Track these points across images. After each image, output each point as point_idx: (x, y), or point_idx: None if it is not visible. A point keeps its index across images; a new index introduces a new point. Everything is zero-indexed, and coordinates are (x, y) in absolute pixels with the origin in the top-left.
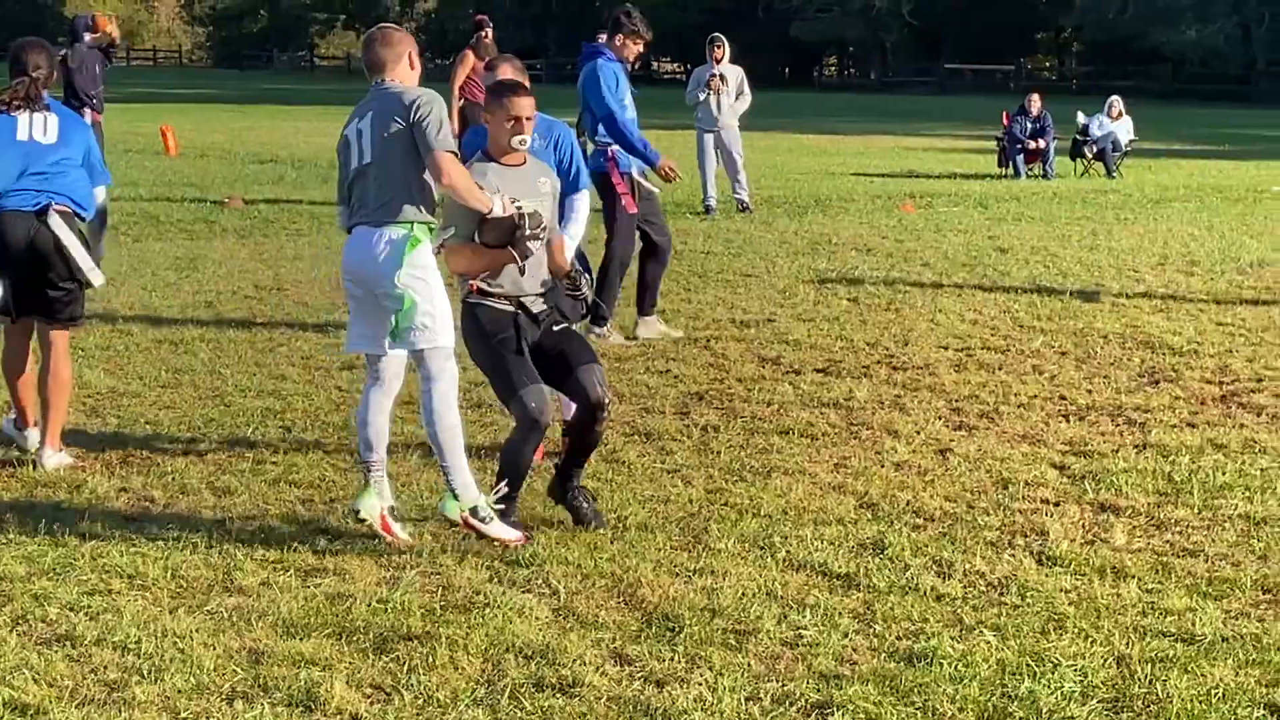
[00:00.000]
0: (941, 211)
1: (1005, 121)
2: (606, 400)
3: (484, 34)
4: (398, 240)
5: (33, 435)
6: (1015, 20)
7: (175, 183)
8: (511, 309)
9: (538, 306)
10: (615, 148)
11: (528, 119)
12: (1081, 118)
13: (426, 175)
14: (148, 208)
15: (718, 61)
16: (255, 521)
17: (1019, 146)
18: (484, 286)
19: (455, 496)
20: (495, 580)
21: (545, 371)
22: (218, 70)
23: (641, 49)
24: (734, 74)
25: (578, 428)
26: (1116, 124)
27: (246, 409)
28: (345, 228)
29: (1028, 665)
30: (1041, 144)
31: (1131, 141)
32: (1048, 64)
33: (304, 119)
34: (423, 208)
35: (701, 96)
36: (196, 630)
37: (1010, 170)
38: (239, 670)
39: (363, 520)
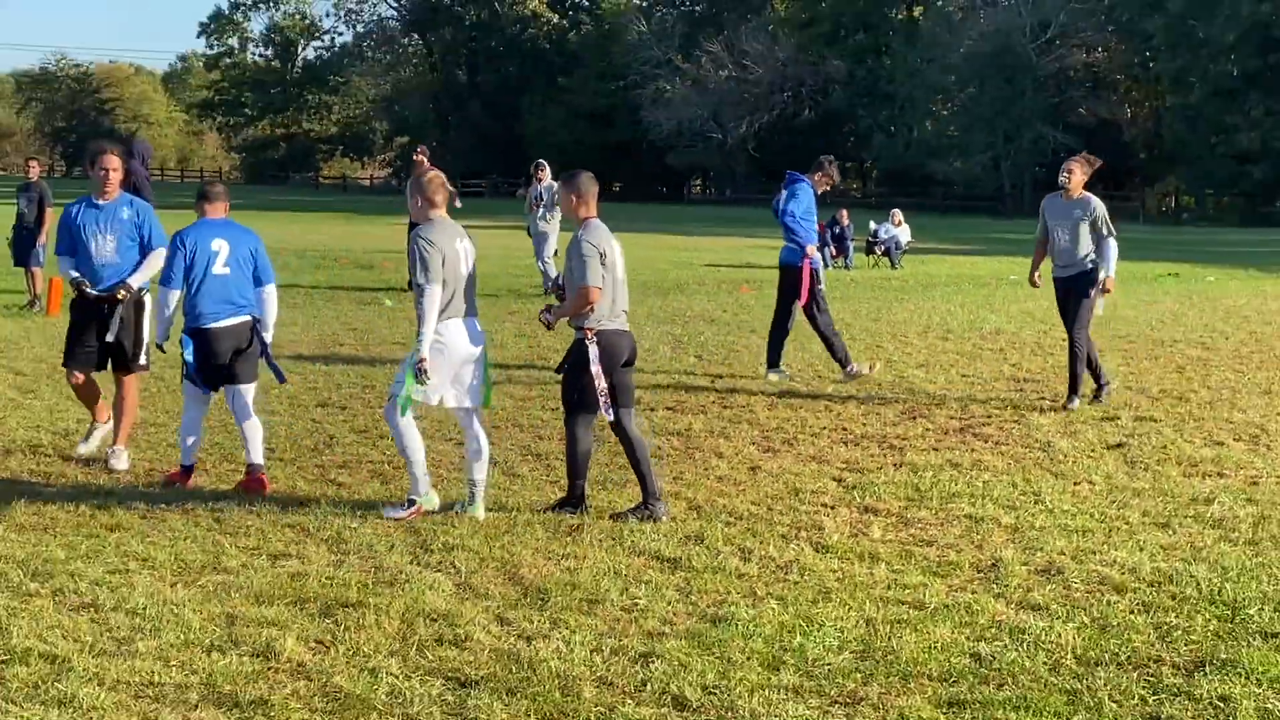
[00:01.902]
0: (769, 293)
1: (820, 229)
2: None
3: (417, 159)
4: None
5: None
6: (830, 153)
7: None
8: None
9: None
10: (811, 247)
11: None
12: (873, 225)
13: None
14: None
15: (540, 182)
16: (242, 518)
17: (828, 248)
18: None
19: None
20: (415, 563)
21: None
22: (248, 186)
23: (829, 187)
24: (551, 190)
25: None
26: (898, 229)
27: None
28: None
29: (801, 625)
30: (834, 251)
31: (909, 242)
32: (855, 185)
33: (305, 222)
34: None
35: (540, 211)
36: (189, 600)
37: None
38: (217, 629)
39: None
